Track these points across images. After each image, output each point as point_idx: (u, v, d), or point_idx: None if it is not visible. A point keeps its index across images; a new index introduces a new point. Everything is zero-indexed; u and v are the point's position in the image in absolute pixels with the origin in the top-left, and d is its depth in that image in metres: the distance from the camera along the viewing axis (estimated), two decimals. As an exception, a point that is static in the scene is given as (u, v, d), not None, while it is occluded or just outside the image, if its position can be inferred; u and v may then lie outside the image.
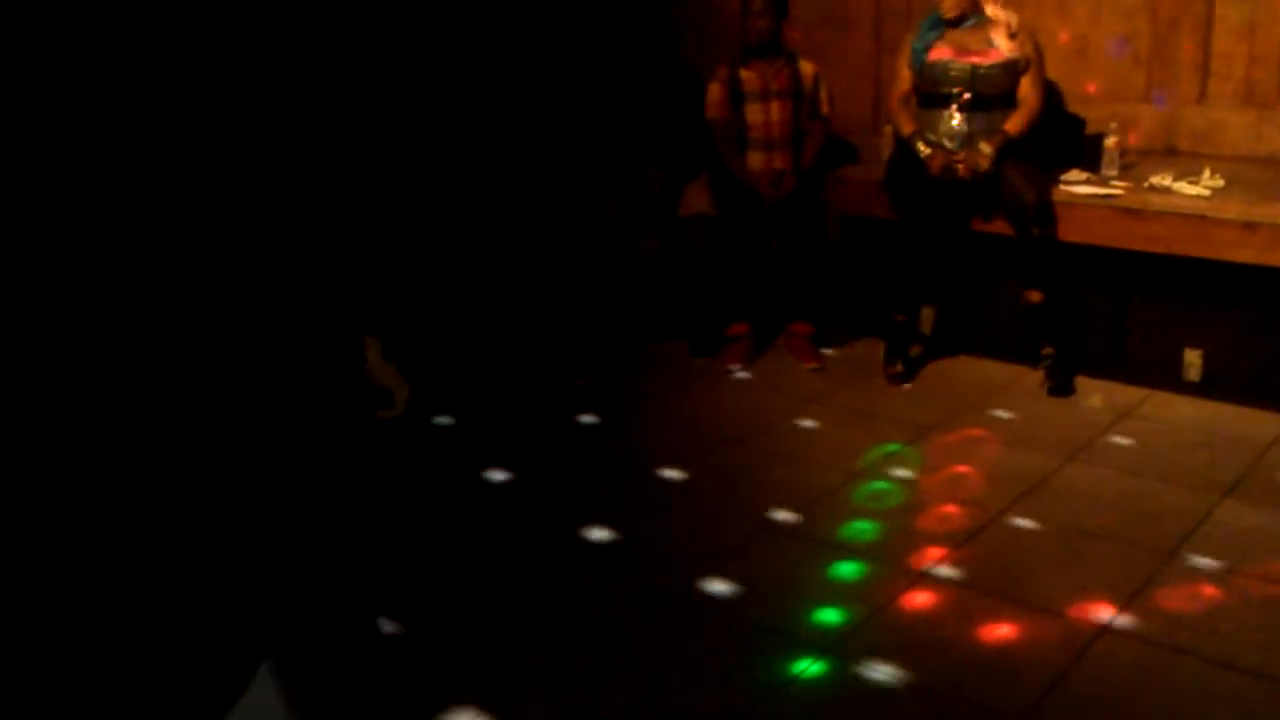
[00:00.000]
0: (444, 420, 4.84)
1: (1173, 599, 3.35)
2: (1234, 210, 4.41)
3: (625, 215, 5.37)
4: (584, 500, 4.08)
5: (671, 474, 4.28)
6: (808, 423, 4.72)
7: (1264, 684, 2.96)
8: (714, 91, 5.21)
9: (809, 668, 3.09)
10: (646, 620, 3.35)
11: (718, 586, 3.48)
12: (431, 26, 5.52)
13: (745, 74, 5.16)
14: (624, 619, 3.35)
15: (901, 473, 4.23)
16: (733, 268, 5.35)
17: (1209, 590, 3.39)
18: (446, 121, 5.57)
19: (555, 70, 5.94)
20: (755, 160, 5.18)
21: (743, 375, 5.24)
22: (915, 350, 5.22)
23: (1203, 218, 4.42)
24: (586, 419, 4.84)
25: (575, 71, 5.85)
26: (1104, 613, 3.29)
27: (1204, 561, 3.54)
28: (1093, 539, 3.72)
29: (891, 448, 4.42)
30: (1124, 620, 3.25)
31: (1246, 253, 4.33)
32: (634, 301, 5.75)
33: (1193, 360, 4.83)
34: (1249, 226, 4.31)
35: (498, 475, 4.31)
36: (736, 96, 5.17)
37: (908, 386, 5.03)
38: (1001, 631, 3.24)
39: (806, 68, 5.23)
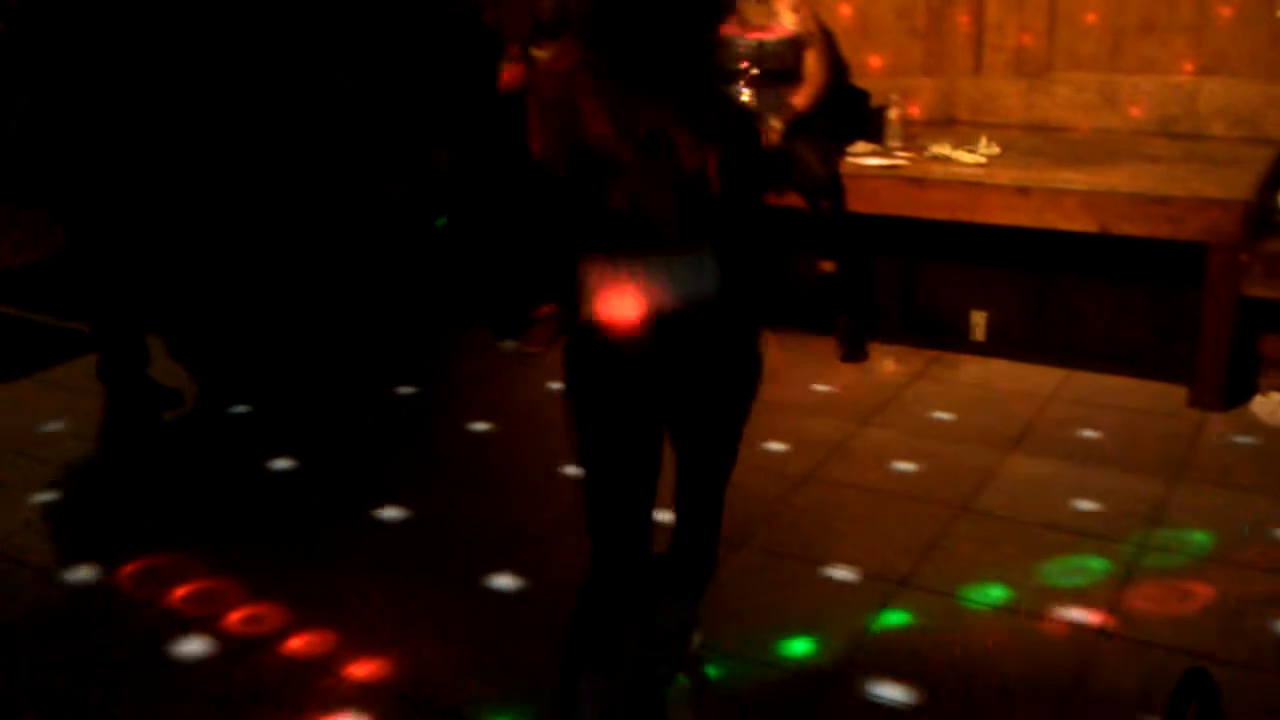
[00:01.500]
0: (240, 409, 4.70)
1: (966, 551, 3.49)
2: (1008, 176, 4.62)
3: (410, 196, 5.26)
4: (377, 486, 3.99)
5: (481, 462, 4.23)
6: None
7: (1047, 624, 3.11)
8: (508, 71, 5.14)
9: (621, 645, 3.09)
10: (444, 605, 3.30)
11: (520, 576, 3.45)
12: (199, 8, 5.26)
13: (538, 53, 5.11)
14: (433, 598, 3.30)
15: (707, 445, 4.27)
16: (532, 248, 5.30)
17: (999, 541, 3.54)
18: (219, 107, 5.32)
19: (335, 47, 5.76)
20: (550, 140, 5.14)
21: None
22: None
23: (979, 184, 4.61)
24: (391, 406, 4.74)
25: (357, 46, 5.69)
26: (903, 568, 3.40)
27: (994, 513, 3.71)
28: (890, 497, 3.84)
29: (697, 421, 4.45)
30: (922, 574, 3.37)
31: (1020, 216, 4.54)
32: (433, 285, 5.66)
33: (977, 321, 5.04)
34: (1022, 191, 4.52)
35: (284, 464, 4.19)
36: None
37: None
38: (806, 594, 3.31)
39: (597, 45, 5.21)
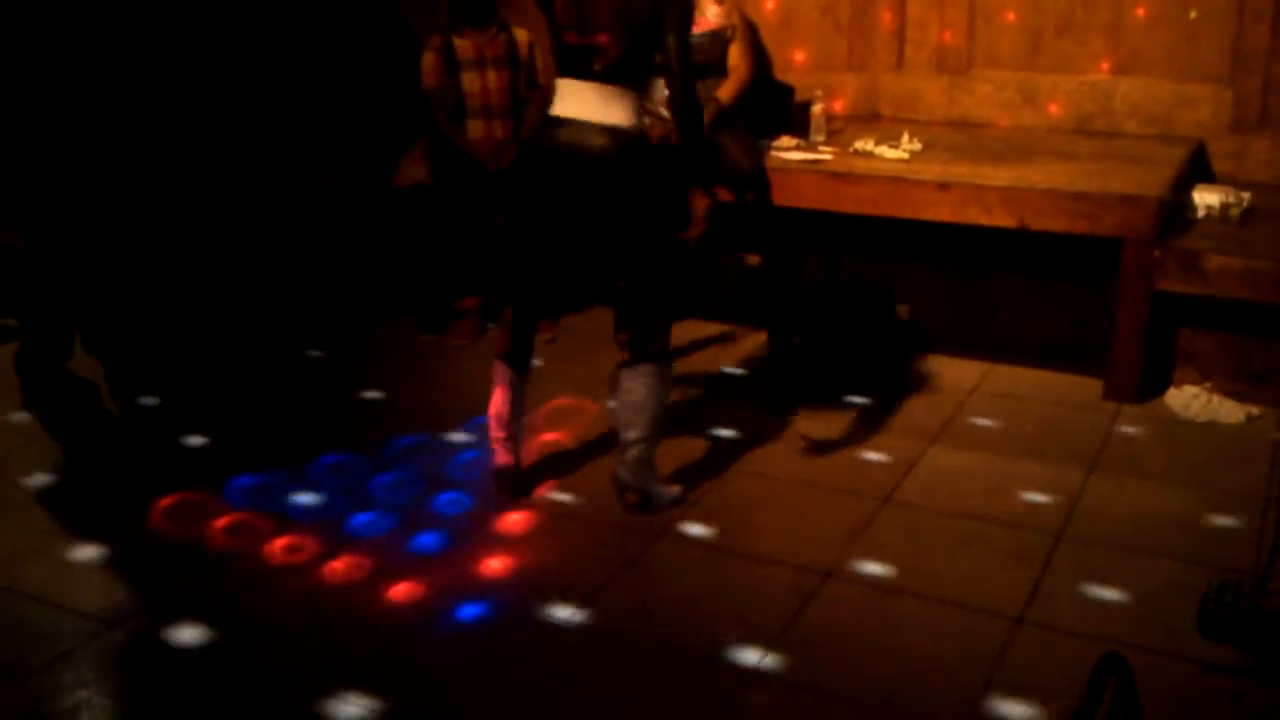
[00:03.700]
0: (150, 401, 4.62)
1: (889, 540, 3.52)
2: (930, 171, 4.67)
3: (340, 189, 5.20)
4: (292, 484, 3.93)
5: (407, 453, 4.19)
6: (543, 394, 4.70)
7: (965, 613, 3.15)
8: (429, 60, 5.09)
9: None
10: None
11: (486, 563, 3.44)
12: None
13: (460, 42, 5.06)
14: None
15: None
16: (456, 240, 5.26)
17: (919, 531, 3.58)
18: (146, 100, 5.19)
19: (261, 40, 5.65)
20: (475, 129, 5.10)
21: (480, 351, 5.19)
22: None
23: (902, 179, 4.65)
24: (315, 402, 4.67)
25: (283, 40, 5.59)
26: (828, 557, 3.42)
27: (914, 504, 3.75)
28: (815, 488, 3.86)
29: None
30: (848, 563, 3.40)
31: (942, 211, 4.60)
32: (357, 279, 5.59)
33: (900, 314, 5.09)
34: (943, 186, 4.57)
35: (195, 440, 4.12)
36: (452, 65, 5.06)
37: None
38: (737, 582, 3.32)
39: (521, 35, 5.18)
